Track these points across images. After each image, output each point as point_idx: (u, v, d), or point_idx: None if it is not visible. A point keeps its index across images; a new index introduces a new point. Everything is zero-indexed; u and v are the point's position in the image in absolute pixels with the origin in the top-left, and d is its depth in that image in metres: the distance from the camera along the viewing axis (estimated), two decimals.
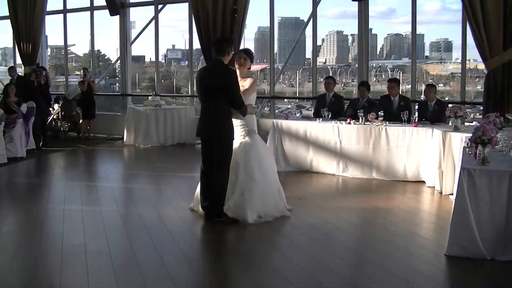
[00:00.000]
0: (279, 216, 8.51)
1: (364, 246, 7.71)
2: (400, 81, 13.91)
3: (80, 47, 26.66)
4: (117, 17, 18.68)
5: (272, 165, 8.91)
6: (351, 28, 21.67)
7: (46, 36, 21.24)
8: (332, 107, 12.86)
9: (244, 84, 8.63)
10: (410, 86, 15.27)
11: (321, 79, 15.94)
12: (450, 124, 10.68)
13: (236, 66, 8.72)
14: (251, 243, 7.78)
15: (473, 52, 13.79)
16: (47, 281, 6.26)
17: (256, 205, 8.31)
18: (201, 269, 6.82)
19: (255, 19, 24.99)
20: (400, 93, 12.77)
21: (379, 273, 6.46)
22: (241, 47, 16.21)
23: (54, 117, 18.10)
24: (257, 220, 8.25)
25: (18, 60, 20.85)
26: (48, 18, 20.22)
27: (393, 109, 12.32)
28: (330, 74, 18.56)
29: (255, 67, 22.18)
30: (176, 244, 7.74)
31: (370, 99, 12.95)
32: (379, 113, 12.05)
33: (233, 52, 8.50)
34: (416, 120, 11.62)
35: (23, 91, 15.58)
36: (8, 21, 20.21)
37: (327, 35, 22.26)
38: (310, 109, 17.59)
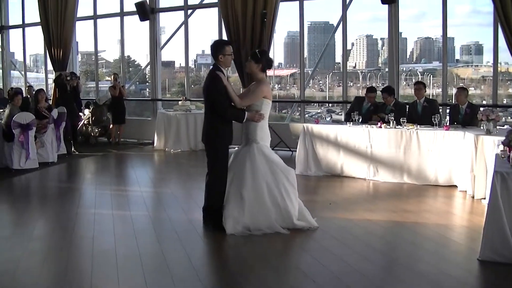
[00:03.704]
0: (271, 232, 8.01)
1: (394, 250, 7.64)
2: (430, 85, 13.80)
3: (110, 53, 26.82)
4: (147, 22, 18.79)
5: (271, 179, 8.20)
6: (381, 32, 21.58)
7: (77, 42, 21.43)
8: (368, 113, 12.83)
9: (252, 88, 8.47)
10: (440, 90, 15.14)
11: (351, 83, 15.87)
12: (482, 127, 10.56)
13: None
14: (280, 245, 7.74)
15: (504, 55, 13.68)
16: (77, 285, 6.27)
17: (242, 217, 8.04)
18: (230, 272, 6.80)
19: (285, 24, 24.99)
20: (430, 97, 12.72)
21: (410, 277, 6.41)
22: (271, 51, 16.28)
23: (85, 122, 18.25)
24: (243, 232, 7.98)
25: (49, 66, 21.04)
26: (78, 24, 20.44)
27: (418, 112, 12.28)
28: (360, 78, 18.49)
29: (284, 72, 22.18)
30: (206, 247, 7.77)
31: (398, 101, 12.88)
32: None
33: (229, 55, 8.23)
34: (448, 124, 11.51)
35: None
36: (40, 27, 20.41)
37: (356, 39, 22.18)
38: (340, 113, 17.53)
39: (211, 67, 8.49)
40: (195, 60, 23.11)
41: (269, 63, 8.45)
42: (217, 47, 8.27)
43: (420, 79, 18.32)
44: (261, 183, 8.11)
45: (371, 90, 13.49)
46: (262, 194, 8.09)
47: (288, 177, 8.29)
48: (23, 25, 22.49)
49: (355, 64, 22.09)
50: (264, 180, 8.13)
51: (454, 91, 14.22)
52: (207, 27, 25.25)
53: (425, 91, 12.60)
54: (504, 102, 16.54)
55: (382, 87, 13.99)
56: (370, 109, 13.09)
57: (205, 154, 8.48)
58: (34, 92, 16.64)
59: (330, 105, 21.28)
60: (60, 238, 8.15)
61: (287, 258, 7.31)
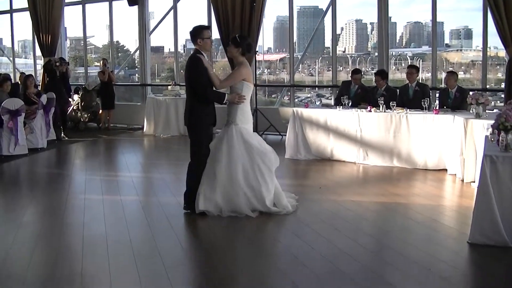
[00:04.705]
0: (241, 215, 8.06)
1: (385, 234, 7.66)
2: (420, 69, 13.78)
3: (99, 38, 26.59)
4: (136, 7, 18.70)
5: (248, 161, 8.21)
6: (370, 16, 21.45)
7: (65, 27, 21.28)
8: (357, 98, 12.83)
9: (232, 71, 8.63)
10: (430, 74, 15.15)
11: (341, 68, 15.84)
12: (472, 111, 10.59)
13: None
14: (271, 230, 7.78)
15: (493, 40, 13.69)
16: (68, 270, 6.27)
17: (213, 196, 8.13)
18: (221, 256, 6.80)
19: (274, 9, 24.81)
20: (420, 81, 12.75)
21: (400, 261, 6.42)
22: (260, 36, 16.24)
23: (74, 107, 18.20)
24: (214, 212, 8.09)
25: (38, 52, 20.94)
26: (67, 9, 20.31)
27: (409, 96, 12.30)
28: (349, 63, 18.47)
29: (273, 57, 22.12)
30: (196, 231, 7.79)
31: (389, 86, 12.88)
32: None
33: (207, 38, 8.31)
34: (437, 108, 11.53)
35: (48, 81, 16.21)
36: (28, 13, 20.28)
37: (346, 24, 22.08)
38: (329, 98, 17.52)
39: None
40: (184, 45, 22.96)
41: (248, 47, 8.46)
42: (195, 31, 8.35)
43: (409, 63, 18.32)
44: (236, 163, 8.16)
45: (356, 71, 13.53)
46: (237, 174, 8.14)
47: (264, 160, 8.27)
48: (11, 11, 22.34)
49: (345, 48, 22.01)
50: (240, 161, 8.17)
51: (443, 75, 14.23)
52: (196, 12, 25.12)
53: (417, 75, 12.60)
54: (504, 86, 16.54)
55: (372, 71, 14.00)
56: (358, 92, 13.11)
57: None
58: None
59: (319, 89, 21.27)
60: (50, 224, 8.16)
61: (278, 242, 7.32)
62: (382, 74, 12.88)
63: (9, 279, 6.06)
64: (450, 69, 15.98)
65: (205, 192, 8.16)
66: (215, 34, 16.97)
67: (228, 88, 8.45)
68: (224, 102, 8.26)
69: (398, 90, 12.73)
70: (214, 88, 8.32)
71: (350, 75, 13.68)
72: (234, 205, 8.11)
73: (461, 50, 20.24)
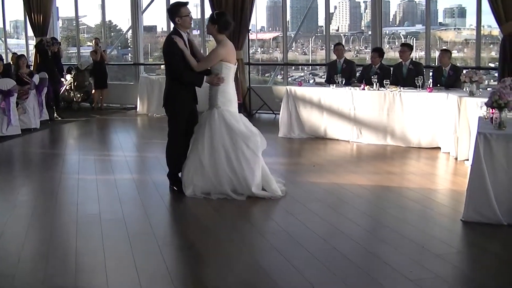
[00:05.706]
0: (230, 198, 7.94)
1: (379, 212, 7.68)
2: (414, 48, 13.76)
3: (91, 18, 26.56)
4: None
5: (230, 145, 7.99)
6: None
7: (57, 7, 21.16)
8: (344, 73, 12.83)
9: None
10: (423, 53, 15.13)
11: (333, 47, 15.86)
12: (465, 89, 10.59)
13: None
14: (266, 209, 7.76)
15: (487, 18, 13.66)
16: (62, 249, 6.28)
17: (200, 183, 8.05)
18: (217, 236, 6.79)
19: None
20: (413, 59, 12.74)
21: (394, 238, 6.43)
22: (253, 15, 16.20)
23: (67, 87, 18.15)
24: (200, 196, 8.02)
25: (30, 32, 20.83)
26: None
27: (403, 74, 12.27)
28: (343, 42, 18.44)
29: (267, 35, 22.07)
30: (190, 210, 7.77)
31: (383, 65, 12.84)
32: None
33: (185, 16, 8.06)
34: (431, 86, 11.51)
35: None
36: None
37: (339, 2, 22.03)
38: (323, 76, 17.52)
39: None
40: None
41: (225, 25, 8.11)
42: (172, 10, 8.16)
43: (403, 42, 18.32)
44: (218, 148, 8.00)
45: (337, 44, 13.72)
46: (220, 159, 8.00)
47: (248, 144, 8.04)
48: None
49: (338, 27, 21.97)
50: (221, 145, 8.00)
51: (437, 54, 14.21)
52: None
53: (411, 54, 12.55)
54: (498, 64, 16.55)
55: (366, 50, 14.00)
56: (344, 67, 13.15)
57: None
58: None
59: (312, 68, 21.27)
60: (44, 204, 8.13)
61: (273, 221, 7.31)
62: (379, 51, 12.87)
63: (3, 257, 6.06)
64: (444, 47, 15.97)
65: (193, 180, 8.08)
66: (208, 13, 16.92)
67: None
68: (207, 81, 8.16)
69: (391, 69, 12.71)
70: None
71: (332, 50, 13.73)
72: (220, 189, 8.02)
73: (455, 28, 20.22)
